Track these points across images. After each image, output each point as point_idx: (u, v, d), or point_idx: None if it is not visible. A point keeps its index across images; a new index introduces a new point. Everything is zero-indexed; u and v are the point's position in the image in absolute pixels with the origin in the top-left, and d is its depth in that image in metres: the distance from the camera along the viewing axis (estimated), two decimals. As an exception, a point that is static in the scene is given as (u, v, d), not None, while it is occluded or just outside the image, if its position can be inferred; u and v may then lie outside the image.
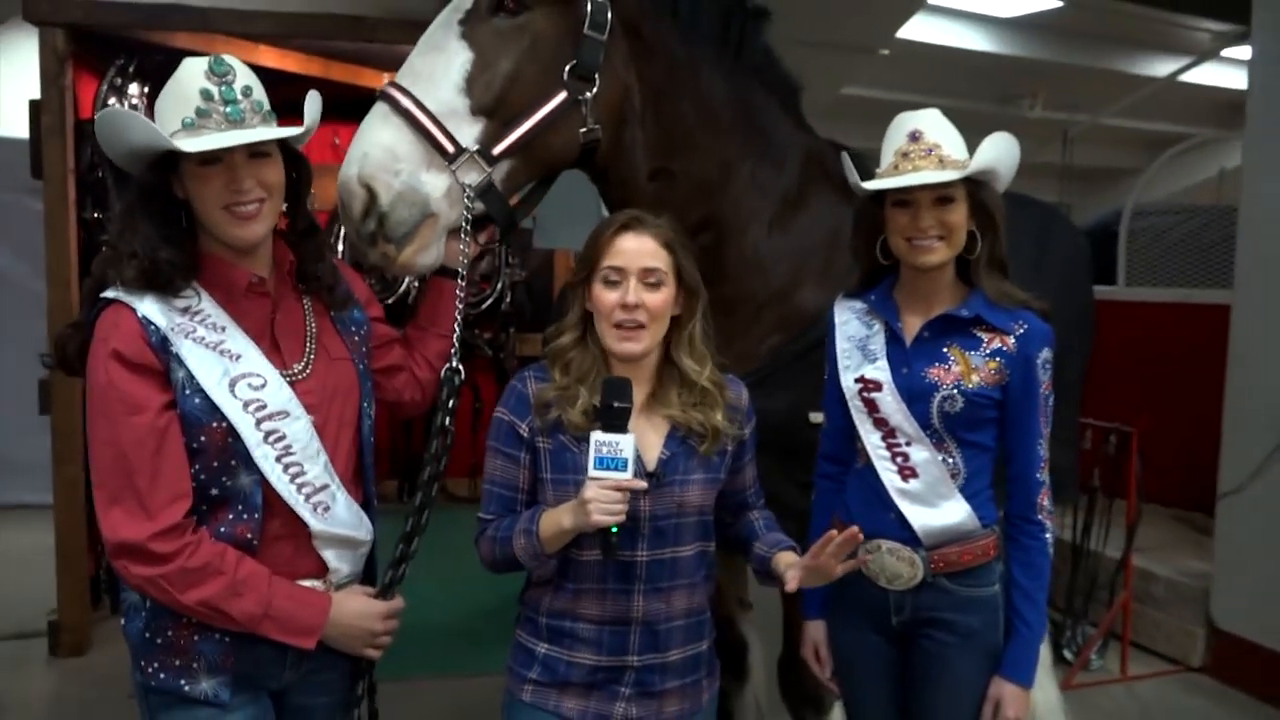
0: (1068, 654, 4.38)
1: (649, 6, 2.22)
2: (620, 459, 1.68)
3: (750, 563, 1.98)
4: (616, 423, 1.70)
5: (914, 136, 1.90)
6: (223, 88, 1.64)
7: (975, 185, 1.92)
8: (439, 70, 2.02)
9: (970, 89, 10.09)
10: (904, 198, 1.91)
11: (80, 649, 4.27)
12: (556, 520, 1.74)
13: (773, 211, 2.41)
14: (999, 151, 1.93)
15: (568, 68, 2.09)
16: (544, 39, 2.09)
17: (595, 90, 2.11)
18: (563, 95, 2.08)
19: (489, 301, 6.13)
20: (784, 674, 2.64)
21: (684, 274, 1.86)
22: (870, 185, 1.93)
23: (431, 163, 1.98)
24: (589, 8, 2.10)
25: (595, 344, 1.86)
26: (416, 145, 1.97)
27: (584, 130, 2.11)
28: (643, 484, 1.73)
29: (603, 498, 1.66)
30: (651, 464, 1.82)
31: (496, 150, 2.03)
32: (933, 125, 1.92)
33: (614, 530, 1.70)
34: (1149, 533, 4.93)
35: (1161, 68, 10.68)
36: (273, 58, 4.87)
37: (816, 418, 2.20)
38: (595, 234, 1.87)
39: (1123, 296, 5.97)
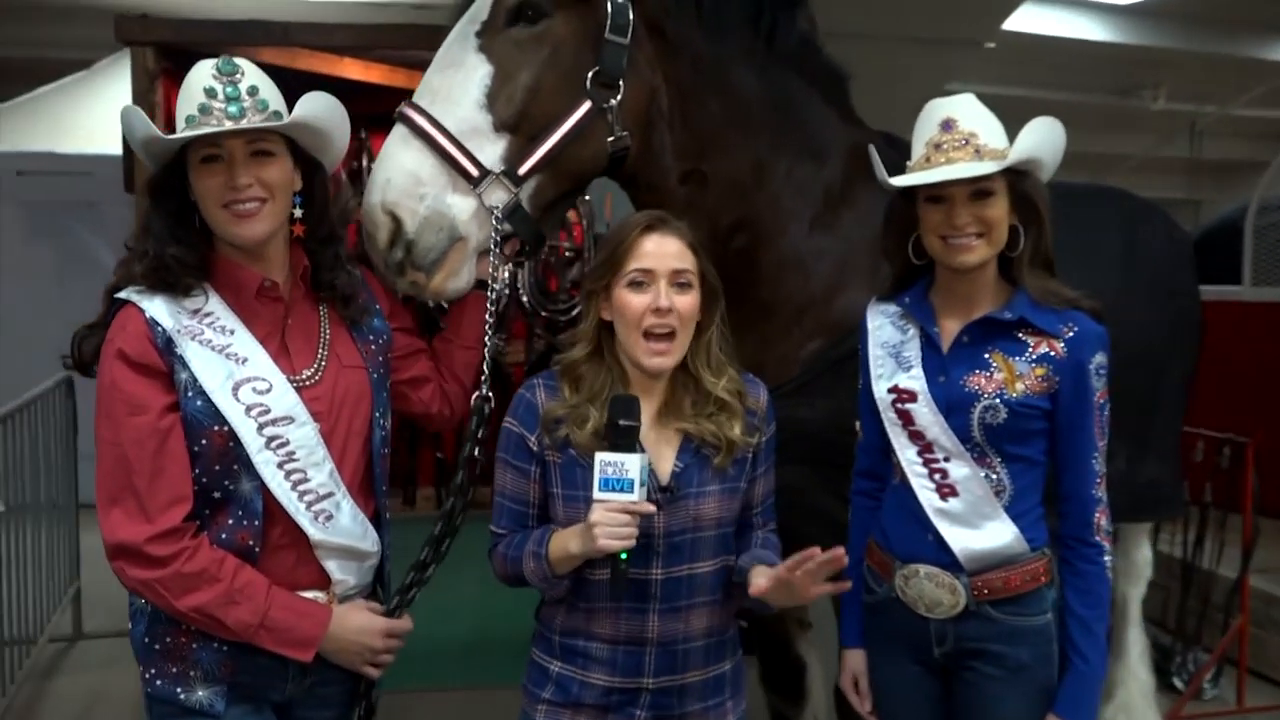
0: (1178, 681, 4.09)
1: (671, 3, 2.12)
2: (627, 480, 1.60)
3: (734, 578, 1.83)
4: (623, 442, 1.63)
5: (947, 125, 1.76)
6: (227, 86, 1.65)
7: (1016, 176, 1.77)
8: (457, 87, 1.96)
9: (1086, 81, 9.67)
10: (937, 193, 1.77)
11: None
12: (564, 545, 1.67)
13: (814, 210, 2.28)
14: (1041, 138, 1.77)
15: (590, 75, 2.01)
16: (565, 46, 2.01)
17: (620, 96, 2.03)
18: (587, 105, 2.01)
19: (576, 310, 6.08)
20: (840, 698, 2.50)
21: (708, 277, 1.77)
22: (899, 181, 1.79)
23: (456, 185, 1.94)
24: (609, 9, 2.02)
25: (611, 357, 1.77)
26: (439, 168, 1.93)
27: (611, 139, 2.04)
28: (651, 507, 1.64)
29: (609, 521, 1.59)
30: (665, 477, 1.73)
31: (522, 170, 1.97)
32: (968, 112, 1.77)
33: (623, 556, 1.62)
34: (1271, 552, 4.58)
35: (1300, 54, 10.01)
36: (357, 70, 4.94)
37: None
38: (616, 236, 1.78)
39: (1247, 297, 5.60)
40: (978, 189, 1.75)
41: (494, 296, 1.98)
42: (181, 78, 1.67)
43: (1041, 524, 1.83)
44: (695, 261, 1.75)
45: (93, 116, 6.79)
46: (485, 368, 1.99)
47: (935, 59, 7.58)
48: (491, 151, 1.96)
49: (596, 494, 1.60)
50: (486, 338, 1.99)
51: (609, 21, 2.02)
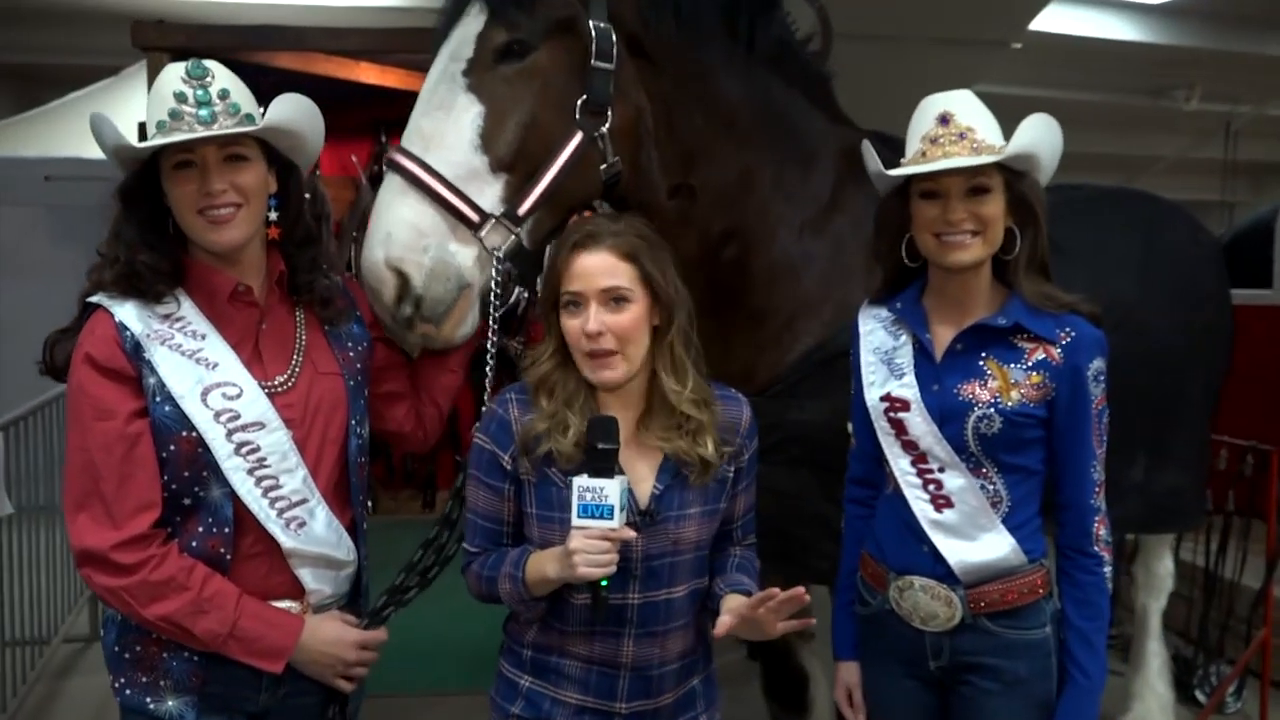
0: (1199, 694, 4.00)
1: (650, 16, 2.09)
2: (606, 505, 1.54)
3: (709, 604, 1.78)
4: (602, 466, 1.57)
5: (943, 120, 1.72)
6: (198, 90, 1.62)
7: (1013, 176, 1.72)
8: (450, 131, 1.91)
9: (1117, 82, 9.54)
10: (933, 188, 1.72)
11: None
12: (541, 569, 1.62)
13: (803, 215, 2.25)
14: (1039, 135, 1.72)
15: (579, 104, 1.97)
16: (553, 78, 1.97)
17: (609, 123, 1.99)
18: (579, 136, 1.96)
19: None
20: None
21: (654, 283, 1.67)
22: (894, 171, 1.75)
23: (457, 233, 1.89)
24: (594, 35, 1.97)
25: (575, 367, 1.71)
26: (439, 217, 1.88)
27: (605, 166, 2.01)
28: (631, 534, 1.59)
29: (588, 548, 1.53)
30: (644, 500, 1.67)
31: (522, 210, 1.93)
32: (965, 107, 1.73)
33: (604, 583, 1.58)
34: (1299, 562, 4.47)
35: (1336, 52, 9.81)
36: (373, 74, 4.95)
37: None
38: (552, 255, 1.72)
39: (1277, 301, 5.45)
40: (974, 185, 1.70)
41: (495, 323, 1.93)
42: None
43: (1039, 535, 1.78)
44: (632, 271, 1.65)
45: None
46: (488, 384, 1.93)
47: (961, 60, 7.52)
48: (490, 193, 1.91)
49: (575, 520, 1.55)
50: (490, 342, 1.94)
51: (594, 47, 1.97)
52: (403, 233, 1.86)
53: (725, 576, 1.77)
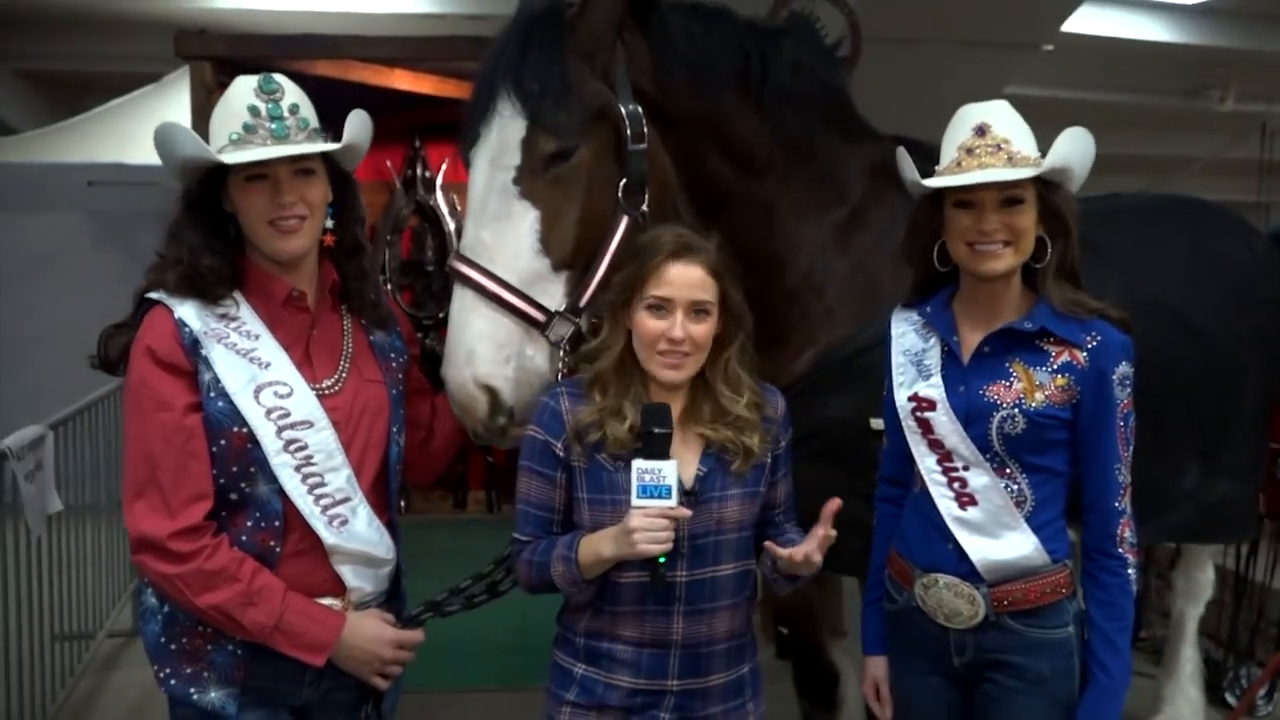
0: (1230, 697, 3.98)
1: (665, 80, 2.15)
2: (664, 486, 1.66)
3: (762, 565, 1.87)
4: (658, 449, 1.68)
5: (980, 130, 1.75)
6: (269, 104, 1.69)
7: (1046, 186, 1.75)
8: (510, 238, 1.99)
9: (1150, 83, 9.48)
10: (967, 198, 1.76)
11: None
12: (595, 549, 1.71)
13: (824, 236, 2.31)
14: (1075, 148, 1.76)
15: (620, 187, 2.04)
16: (596, 171, 2.04)
17: (648, 198, 2.06)
18: (625, 220, 2.04)
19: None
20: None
21: (729, 301, 1.79)
22: (931, 182, 1.78)
23: (531, 336, 1.98)
24: (626, 119, 2.04)
25: (633, 363, 1.80)
26: (514, 325, 1.97)
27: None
28: (687, 512, 1.69)
29: (649, 526, 1.64)
30: (688, 481, 1.77)
31: (583, 302, 2.01)
32: (1002, 118, 1.77)
33: (661, 560, 1.67)
34: (1332, 565, 4.44)
35: (1374, 51, 9.68)
36: (407, 81, 5.03)
37: (878, 424, 2.07)
38: (641, 256, 1.79)
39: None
40: (1008, 196, 1.74)
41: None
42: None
43: (1063, 535, 1.82)
44: (716, 288, 1.77)
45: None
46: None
47: (992, 62, 7.50)
48: (554, 292, 2.00)
49: (635, 500, 1.66)
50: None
51: (628, 131, 2.04)
52: (485, 348, 1.94)
53: (778, 539, 1.85)
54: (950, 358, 1.84)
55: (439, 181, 5.17)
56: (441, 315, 5.02)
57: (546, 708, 1.87)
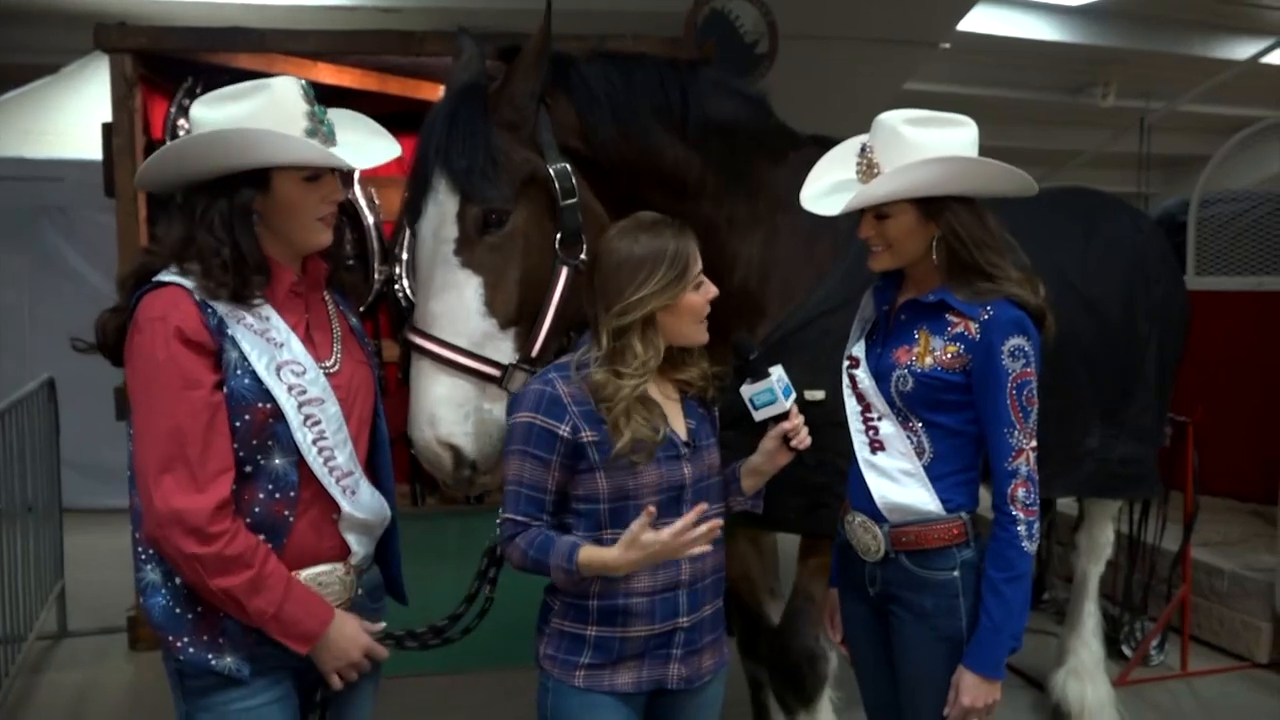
0: (1126, 649, 4.30)
1: (589, 129, 2.27)
2: (786, 387, 1.94)
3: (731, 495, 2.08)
4: (759, 369, 1.94)
5: (862, 150, 1.95)
6: (317, 108, 1.80)
7: (924, 199, 1.91)
8: (456, 306, 2.13)
9: (1038, 80, 9.92)
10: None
11: (157, 644, 4.48)
12: (601, 562, 1.81)
13: (756, 245, 2.48)
14: (918, 178, 1.87)
15: (556, 241, 2.18)
16: (531, 231, 2.17)
17: (585, 246, 2.19)
18: (565, 271, 2.18)
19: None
20: (772, 639, 2.70)
21: None
22: (807, 206, 2.03)
23: (487, 392, 2.12)
24: (554, 177, 2.17)
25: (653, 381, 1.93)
26: (469, 385, 2.11)
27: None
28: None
29: (689, 538, 1.78)
30: (684, 434, 1.94)
31: (534, 353, 2.15)
32: (885, 139, 1.91)
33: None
34: (1216, 527, 4.81)
35: (1242, 50, 10.31)
36: (330, 74, 5.01)
37: (814, 395, 2.27)
38: (677, 253, 1.88)
39: (1192, 286, 5.80)
40: (876, 212, 1.94)
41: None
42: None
43: (965, 489, 1.99)
44: None
45: (62, 121, 6.70)
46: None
47: (892, 59, 7.81)
48: (505, 348, 2.15)
49: (756, 415, 1.94)
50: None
51: (558, 188, 2.17)
52: (444, 410, 2.10)
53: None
54: (883, 324, 2.06)
55: (357, 175, 5.17)
56: (361, 309, 5.02)
57: (554, 675, 1.93)
